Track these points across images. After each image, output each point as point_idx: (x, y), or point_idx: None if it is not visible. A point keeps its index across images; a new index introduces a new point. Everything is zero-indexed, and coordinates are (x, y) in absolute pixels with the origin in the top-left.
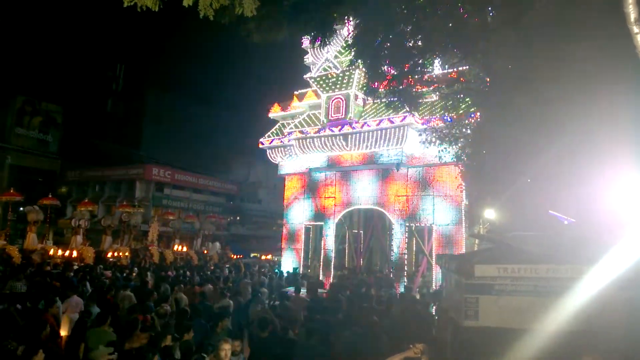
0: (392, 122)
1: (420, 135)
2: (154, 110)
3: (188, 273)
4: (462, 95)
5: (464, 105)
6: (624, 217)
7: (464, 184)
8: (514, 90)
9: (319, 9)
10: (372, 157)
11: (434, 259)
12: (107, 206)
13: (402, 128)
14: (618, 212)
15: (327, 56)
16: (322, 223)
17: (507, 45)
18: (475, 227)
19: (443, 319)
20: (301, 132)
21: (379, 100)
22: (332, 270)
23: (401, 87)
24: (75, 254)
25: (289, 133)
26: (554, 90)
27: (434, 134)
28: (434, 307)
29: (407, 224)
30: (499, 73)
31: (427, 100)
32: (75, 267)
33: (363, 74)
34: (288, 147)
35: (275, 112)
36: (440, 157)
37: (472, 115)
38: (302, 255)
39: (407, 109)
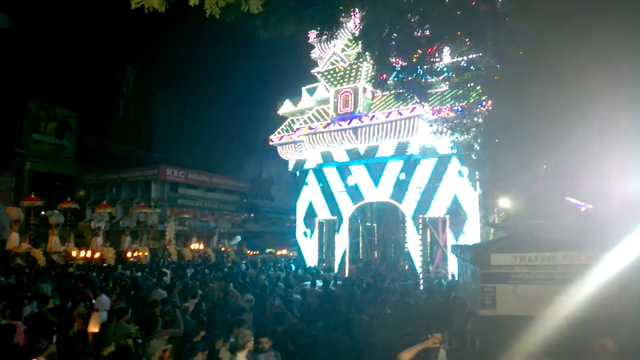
0: (401, 113)
1: (431, 125)
2: (165, 111)
3: (207, 271)
4: (472, 84)
5: (474, 94)
6: None
7: (477, 173)
8: (526, 77)
9: (325, 2)
10: (383, 150)
11: (448, 250)
12: (125, 208)
13: (412, 119)
14: (635, 198)
15: (334, 50)
16: (335, 217)
17: (517, 31)
18: (490, 216)
19: (460, 308)
20: (310, 127)
21: (388, 92)
22: (347, 263)
23: (410, 77)
24: (96, 255)
25: (298, 129)
26: (568, 75)
27: (445, 124)
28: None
29: (420, 216)
30: (510, 60)
31: (436, 90)
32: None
33: (371, 66)
34: (298, 143)
35: (284, 108)
36: (452, 147)
37: (483, 104)
38: (317, 250)
39: (417, 99)
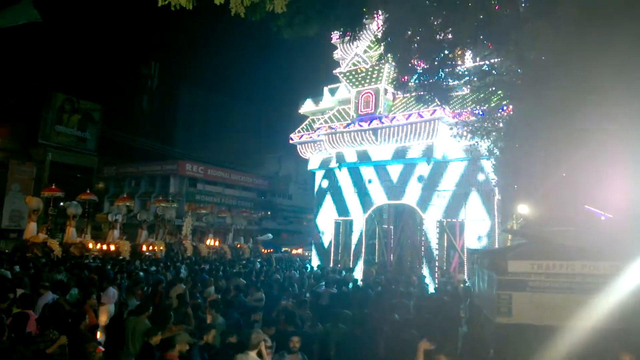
0: (422, 116)
1: (451, 129)
2: (187, 107)
3: (221, 267)
4: (493, 88)
5: (495, 98)
6: None
7: (496, 178)
8: (548, 82)
9: (349, 4)
10: (403, 152)
11: (465, 255)
12: (143, 201)
13: (432, 122)
14: None
15: (357, 51)
16: (351, 218)
17: (540, 36)
18: (508, 222)
19: (475, 315)
20: (330, 127)
21: (409, 94)
22: (362, 265)
23: (431, 80)
24: (112, 247)
25: (319, 128)
26: (590, 80)
27: (465, 128)
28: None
29: (439, 219)
30: (532, 65)
31: (458, 93)
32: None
33: (393, 68)
34: (318, 143)
35: (305, 107)
36: (471, 152)
37: (504, 108)
38: (332, 250)
39: (438, 102)
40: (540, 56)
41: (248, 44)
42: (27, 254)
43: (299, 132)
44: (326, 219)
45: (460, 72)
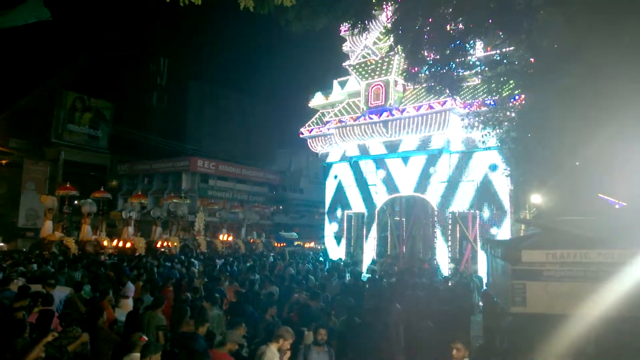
0: (432, 107)
1: (462, 119)
2: (197, 103)
3: (236, 262)
4: (505, 78)
5: (507, 88)
6: None
7: (509, 168)
8: (561, 70)
9: None
10: (414, 143)
11: (478, 246)
12: (156, 198)
13: (443, 113)
14: None
15: (366, 43)
16: (363, 211)
17: (552, 24)
18: (521, 212)
19: (489, 305)
20: (340, 121)
21: (419, 86)
22: (375, 257)
23: (442, 71)
24: (127, 244)
25: (329, 122)
26: (605, 69)
27: (477, 118)
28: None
29: (450, 210)
30: (544, 53)
31: (469, 83)
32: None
33: (403, 60)
34: (328, 136)
35: (315, 101)
36: (484, 142)
37: (517, 98)
38: (344, 243)
39: (449, 93)
40: (553, 44)
41: (257, 39)
42: (44, 252)
43: (309, 126)
44: (338, 212)
45: (471, 62)
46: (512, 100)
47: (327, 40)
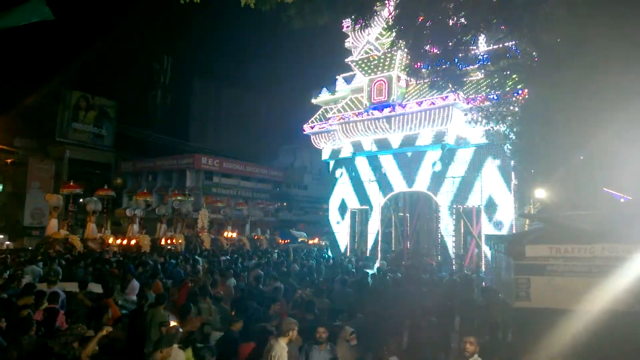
0: (435, 102)
1: (465, 114)
2: (200, 100)
3: (239, 259)
4: (508, 72)
5: (510, 82)
6: None
7: (512, 163)
8: (565, 64)
9: None
10: (417, 139)
11: (482, 241)
12: (160, 195)
13: (446, 108)
14: None
15: (368, 39)
16: (367, 207)
17: (555, 18)
18: (526, 207)
19: (493, 300)
20: (342, 117)
21: (422, 81)
22: (379, 253)
23: (445, 66)
24: (132, 242)
25: (332, 118)
26: (606, 62)
27: (480, 113)
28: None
29: (455, 206)
30: (547, 47)
31: (471, 78)
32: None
33: (405, 55)
34: (331, 132)
35: (318, 97)
36: (487, 137)
37: (520, 92)
38: (348, 239)
39: (452, 88)
40: (556, 38)
41: (259, 36)
42: (50, 250)
43: (312, 122)
44: (342, 208)
45: (473, 57)
46: (515, 94)
47: (329, 37)
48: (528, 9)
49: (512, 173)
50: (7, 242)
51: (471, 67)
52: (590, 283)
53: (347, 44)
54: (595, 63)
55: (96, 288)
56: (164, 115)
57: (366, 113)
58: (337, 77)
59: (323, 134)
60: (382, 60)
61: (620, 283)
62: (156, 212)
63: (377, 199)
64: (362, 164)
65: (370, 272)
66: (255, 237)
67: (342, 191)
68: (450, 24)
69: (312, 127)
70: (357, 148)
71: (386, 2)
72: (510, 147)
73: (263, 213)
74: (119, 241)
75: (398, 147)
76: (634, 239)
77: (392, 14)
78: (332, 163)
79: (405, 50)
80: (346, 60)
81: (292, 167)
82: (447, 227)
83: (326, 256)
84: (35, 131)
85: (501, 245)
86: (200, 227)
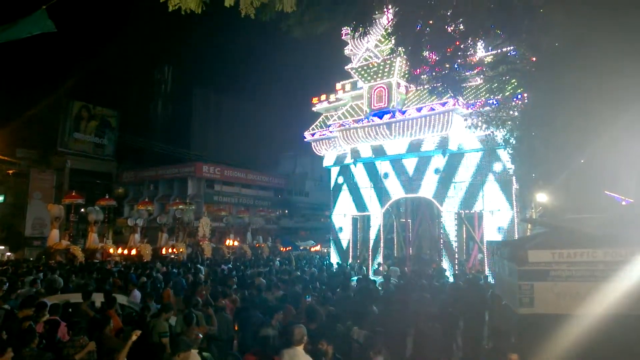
0: (435, 108)
1: (465, 120)
2: (201, 109)
3: (241, 267)
4: (507, 77)
5: (510, 87)
6: None
7: (513, 167)
8: (564, 68)
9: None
10: (417, 145)
11: (484, 246)
12: (162, 204)
13: (446, 114)
14: None
15: (368, 46)
16: (369, 213)
17: (553, 22)
18: (527, 211)
19: (497, 306)
20: (341, 124)
21: (421, 87)
22: (382, 259)
23: (444, 72)
24: (134, 251)
25: (333, 125)
26: (605, 65)
27: (480, 118)
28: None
29: (456, 211)
30: (546, 51)
31: (471, 84)
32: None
33: (404, 62)
34: (332, 139)
35: (318, 104)
36: (487, 142)
37: (519, 97)
38: (350, 246)
39: (451, 94)
40: (554, 42)
41: (259, 44)
42: (51, 260)
43: (313, 129)
44: (343, 215)
45: (472, 63)
46: (515, 99)
47: (329, 44)
48: (526, 14)
49: (513, 178)
50: (8, 253)
51: (470, 72)
52: (593, 288)
53: (347, 51)
54: (594, 66)
55: (100, 299)
56: (165, 124)
57: (366, 120)
58: (337, 84)
59: (324, 141)
60: (381, 67)
61: (623, 287)
62: (157, 221)
63: (379, 205)
64: (363, 170)
65: (378, 279)
66: (257, 245)
67: (344, 198)
68: (449, 30)
69: (312, 135)
70: (358, 155)
71: (385, 9)
72: (510, 152)
73: (264, 220)
74: (120, 251)
75: (398, 153)
76: (636, 242)
77: (391, 21)
78: (333, 170)
79: (405, 56)
80: (346, 67)
81: (293, 175)
82: (449, 232)
83: (327, 263)
84: (37, 141)
85: (503, 250)
86: (201, 236)
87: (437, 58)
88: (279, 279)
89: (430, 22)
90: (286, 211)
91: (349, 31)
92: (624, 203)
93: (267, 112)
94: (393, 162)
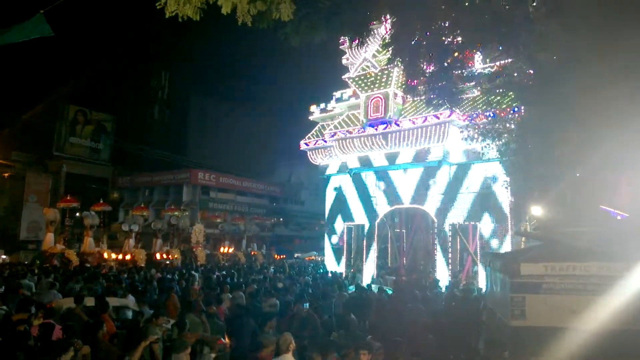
0: (430, 120)
1: (462, 132)
2: (198, 116)
3: (235, 274)
4: (504, 90)
5: (507, 100)
6: None
7: (508, 180)
8: (561, 81)
9: (355, 9)
10: (413, 156)
11: (478, 258)
12: (157, 210)
13: (443, 125)
14: None
15: (365, 56)
16: (363, 223)
17: (550, 35)
18: (522, 224)
19: (490, 318)
20: (340, 133)
21: (418, 98)
22: (375, 270)
23: (441, 83)
24: (128, 257)
25: (330, 134)
26: (602, 79)
27: (477, 130)
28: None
29: (451, 222)
30: (543, 65)
31: (468, 96)
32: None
33: (402, 72)
34: (328, 148)
35: (315, 114)
36: (483, 154)
37: (516, 110)
38: (344, 255)
39: (448, 105)
40: (551, 56)
41: (256, 52)
42: (46, 264)
43: (309, 138)
44: (338, 225)
45: (469, 75)
46: (512, 112)
47: (326, 54)
48: (523, 27)
49: (509, 190)
50: (4, 256)
51: (467, 84)
52: (586, 301)
53: (344, 60)
54: (591, 80)
55: (92, 302)
56: (161, 130)
57: (363, 130)
58: (334, 93)
59: (320, 150)
60: (378, 77)
61: (616, 301)
62: (152, 226)
63: (374, 215)
64: (358, 180)
65: (376, 288)
66: (252, 253)
67: (338, 207)
68: (446, 42)
69: (307, 144)
70: (353, 164)
71: (383, 20)
72: (506, 164)
73: (259, 228)
74: (114, 256)
75: (394, 163)
76: (630, 257)
77: (389, 31)
78: (328, 179)
79: (402, 67)
80: (343, 77)
81: (288, 183)
82: (443, 243)
83: (322, 272)
84: (33, 145)
85: (497, 262)
86: (194, 242)
87: (434, 69)
88: (272, 286)
89: (428, 33)
90: (281, 219)
91: (347, 41)
92: (619, 217)
93: (263, 120)
94: (388, 173)
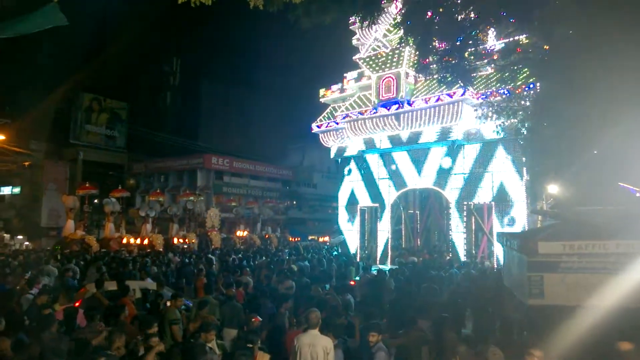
0: (444, 98)
1: (476, 110)
2: (210, 101)
3: (252, 257)
4: (519, 66)
5: (521, 77)
6: None
7: (524, 158)
8: (577, 57)
9: None
10: (426, 135)
11: (494, 237)
12: (172, 195)
13: (456, 104)
14: None
15: (376, 35)
16: (377, 205)
17: (565, 10)
18: (538, 202)
19: (507, 297)
20: (351, 114)
21: (431, 77)
22: (390, 251)
23: (454, 61)
24: (146, 241)
25: (341, 116)
26: (620, 54)
27: (491, 108)
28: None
29: (466, 203)
30: (559, 40)
31: (481, 73)
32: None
33: (413, 51)
34: (340, 130)
35: (325, 96)
36: (498, 132)
37: (531, 87)
38: (358, 237)
39: (461, 83)
40: (567, 30)
41: (266, 36)
42: (66, 250)
43: (320, 120)
44: (351, 206)
45: (483, 52)
46: (527, 89)
47: (336, 35)
48: (538, 3)
49: (524, 168)
50: (26, 243)
51: (480, 62)
52: (604, 280)
53: (355, 41)
54: (607, 57)
55: (112, 286)
56: (174, 116)
57: (374, 110)
58: (345, 74)
59: (331, 132)
60: (390, 57)
61: (635, 279)
62: (168, 211)
63: (387, 196)
64: (370, 161)
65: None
66: (266, 236)
67: (352, 189)
68: (459, 19)
69: (321, 126)
70: (366, 145)
71: None
72: (521, 142)
73: (273, 211)
74: (132, 240)
75: (407, 143)
76: None
77: (400, 10)
78: (340, 161)
79: (414, 46)
80: (354, 57)
81: (301, 166)
82: (457, 224)
83: (336, 254)
84: (50, 134)
85: (513, 242)
86: (209, 226)
87: (447, 47)
88: (288, 269)
89: (440, 10)
90: (294, 202)
91: (357, 21)
92: (638, 195)
93: (275, 103)
94: (401, 153)
